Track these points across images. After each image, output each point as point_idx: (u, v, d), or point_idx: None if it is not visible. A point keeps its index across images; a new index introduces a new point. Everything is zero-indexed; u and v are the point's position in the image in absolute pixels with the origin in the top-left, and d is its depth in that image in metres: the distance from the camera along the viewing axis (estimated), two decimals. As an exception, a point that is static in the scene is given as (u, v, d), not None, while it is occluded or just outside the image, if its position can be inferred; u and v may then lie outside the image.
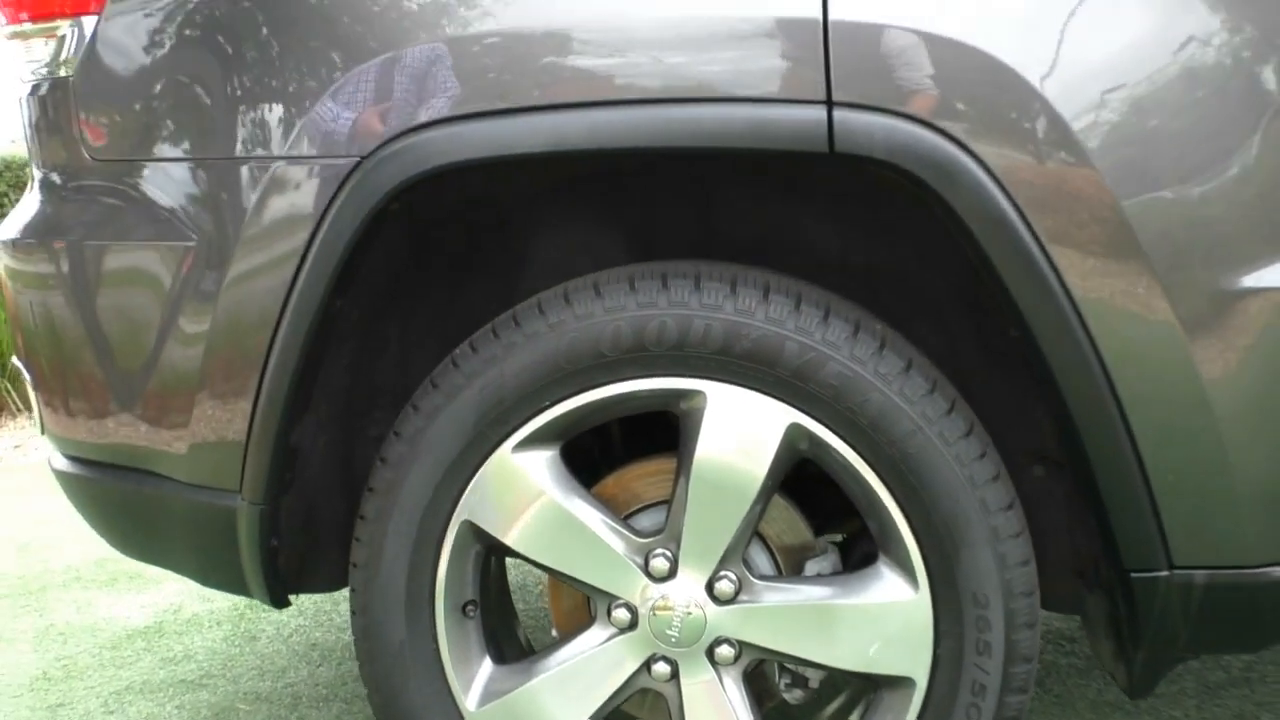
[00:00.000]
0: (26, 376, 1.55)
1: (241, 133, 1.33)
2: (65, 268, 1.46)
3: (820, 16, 1.15)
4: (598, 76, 1.20)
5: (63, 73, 1.44)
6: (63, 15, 1.42)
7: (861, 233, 1.43)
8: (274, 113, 1.30)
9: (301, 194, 1.29)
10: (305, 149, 1.29)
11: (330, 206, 1.28)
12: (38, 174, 1.54)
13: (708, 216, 1.47)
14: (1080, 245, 1.13)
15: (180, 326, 1.37)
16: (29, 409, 4.90)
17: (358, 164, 1.27)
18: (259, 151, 1.31)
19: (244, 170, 1.32)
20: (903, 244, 1.41)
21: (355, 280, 1.33)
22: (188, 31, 1.35)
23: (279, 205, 1.30)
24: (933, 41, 1.14)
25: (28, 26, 1.46)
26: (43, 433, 1.58)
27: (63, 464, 1.58)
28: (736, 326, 1.23)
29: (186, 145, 1.36)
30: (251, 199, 1.31)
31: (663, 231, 1.47)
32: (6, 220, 1.60)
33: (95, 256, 1.44)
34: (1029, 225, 1.13)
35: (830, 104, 1.15)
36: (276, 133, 1.30)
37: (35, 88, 1.49)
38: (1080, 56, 1.13)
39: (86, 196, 1.46)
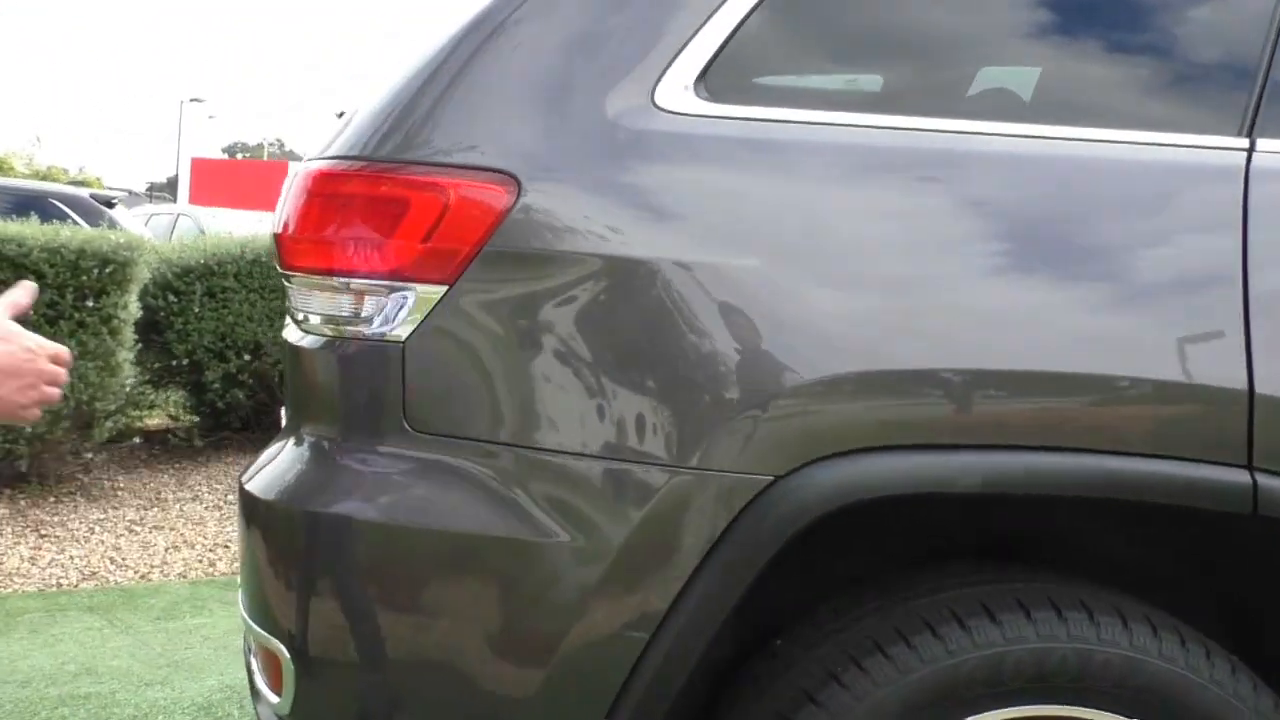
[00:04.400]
0: (281, 650, 1.38)
1: (622, 431, 1.27)
2: (357, 546, 1.33)
3: (1246, 389, 1.25)
4: (1039, 423, 1.24)
5: (394, 334, 1.33)
6: (416, 280, 1.32)
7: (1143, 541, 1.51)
8: (666, 413, 1.26)
9: (697, 508, 1.25)
10: (703, 459, 1.25)
11: (733, 527, 1.25)
12: (312, 433, 1.40)
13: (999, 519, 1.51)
14: None
15: (519, 632, 1.28)
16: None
17: (772, 484, 1.24)
18: (644, 455, 1.26)
19: (624, 472, 1.27)
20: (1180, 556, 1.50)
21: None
22: (562, 311, 1.29)
23: (663, 517, 1.25)
24: None
25: (356, 281, 1.35)
26: (288, 714, 1.41)
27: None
28: (1133, 662, 1.28)
29: (551, 435, 1.29)
30: (629, 506, 1.26)
31: (959, 530, 1.51)
32: (256, 474, 1.44)
33: (398, 538, 1.32)
34: None
35: (1252, 469, 1.25)
36: (666, 436, 1.26)
37: (343, 344, 1.36)
38: None
39: (395, 469, 1.34)
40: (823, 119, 1.35)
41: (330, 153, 1.40)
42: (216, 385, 5.40)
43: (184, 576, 4.03)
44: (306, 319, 1.42)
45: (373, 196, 1.35)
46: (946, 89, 1.44)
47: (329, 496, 1.36)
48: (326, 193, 1.37)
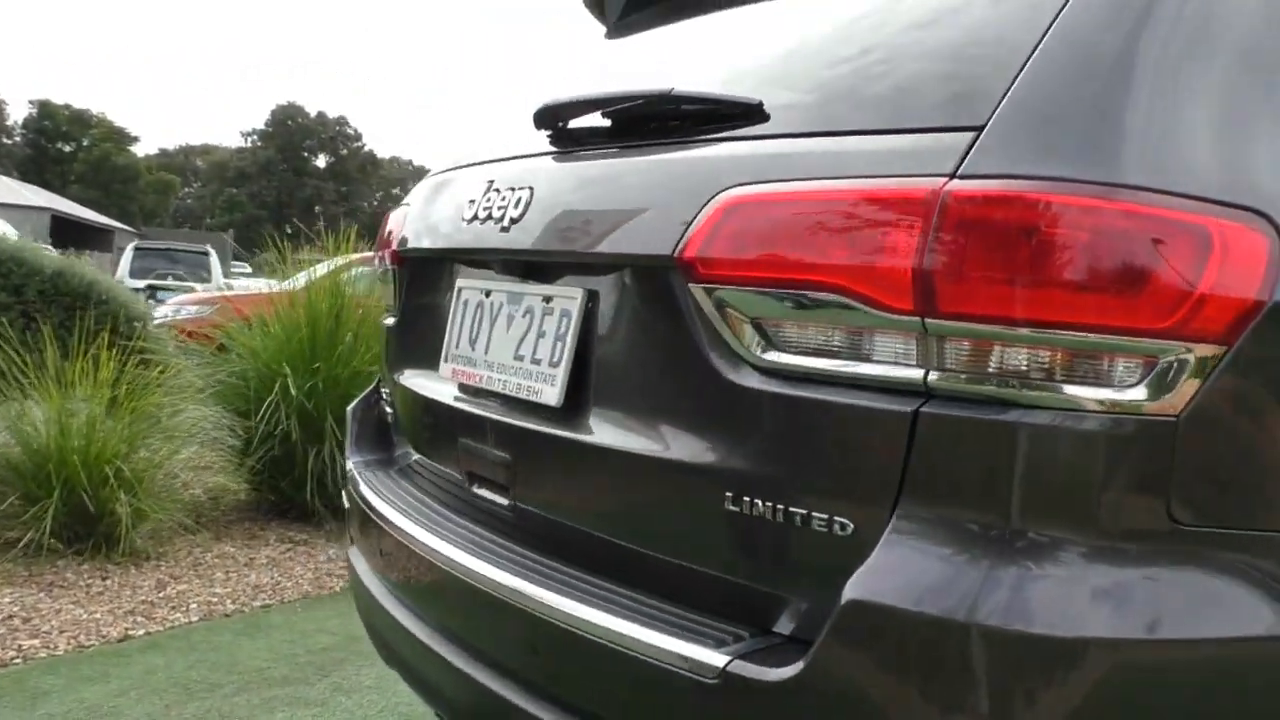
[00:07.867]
0: None
1: None
2: (1122, 679, 1.06)
3: None
4: None
5: (1163, 406, 1.06)
6: (1187, 339, 1.06)
7: None
8: None
9: None
10: None
11: None
12: (980, 525, 1.08)
13: None
14: None
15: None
16: None
17: None
18: None
19: None
20: None
21: None
22: None
23: None
24: None
25: (1090, 337, 1.06)
26: None
27: None
28: None
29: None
30: None
31: None
32: (883, 582, 1.10)
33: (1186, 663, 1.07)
34: None
35: None
36: None
37: (1069, 417, 1.07)
38: None
39: (1153, 576, 1.08)
40: None
41: (1027, 169, 1.09)
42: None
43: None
44: (971, 383, 1.11)
45: (1120, 232, 1.07)
46: None
47: (1068, 613, 1.06)
48: (1033, 224, 1.07)
